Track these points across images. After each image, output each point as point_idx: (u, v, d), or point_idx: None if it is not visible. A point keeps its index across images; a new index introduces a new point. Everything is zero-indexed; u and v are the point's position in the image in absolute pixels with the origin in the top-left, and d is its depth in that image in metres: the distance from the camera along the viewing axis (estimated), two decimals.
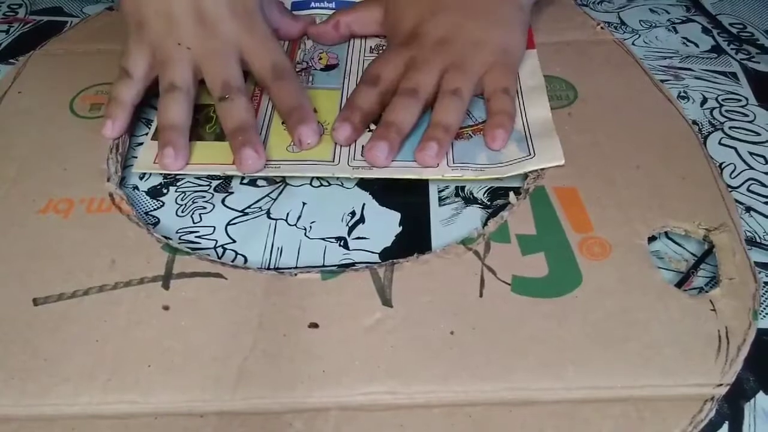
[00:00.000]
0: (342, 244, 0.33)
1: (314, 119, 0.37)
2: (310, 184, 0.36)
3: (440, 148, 0.35)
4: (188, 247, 0.32)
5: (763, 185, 0.36)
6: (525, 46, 0.42)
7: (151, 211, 0.35)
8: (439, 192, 0.36)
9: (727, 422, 0.26)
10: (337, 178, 0.36)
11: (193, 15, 0.36)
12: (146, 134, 0.38)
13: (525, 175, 0.35)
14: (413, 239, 0.33)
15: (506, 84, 0.38)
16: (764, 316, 0.30)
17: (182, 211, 0.35)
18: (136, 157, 0.37)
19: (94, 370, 0.26)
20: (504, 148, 0.36)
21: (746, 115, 0.41)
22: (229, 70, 0.37)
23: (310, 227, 0.34)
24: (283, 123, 0.38)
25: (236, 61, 0.37)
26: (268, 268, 0.31)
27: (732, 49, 0.46)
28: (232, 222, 0.34)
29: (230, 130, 0.36)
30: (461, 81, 0.37)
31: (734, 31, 0.48)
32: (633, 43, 0.47)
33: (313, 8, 0.47)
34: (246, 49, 0.38)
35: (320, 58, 0.43)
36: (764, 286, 0.31)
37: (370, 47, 0.44)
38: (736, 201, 0.35)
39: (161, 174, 0.36)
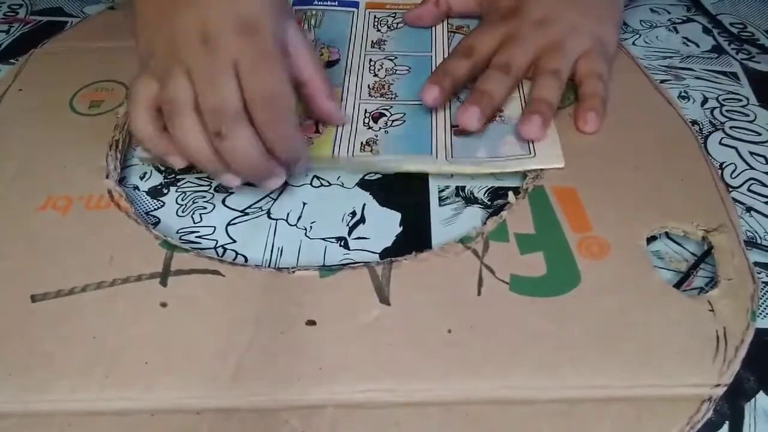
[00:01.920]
0: (342, 244, 0.33)
1: (306, 156, 0.34)
2: (311, 184, 0.36)
3: (544, 121, 0.36)
4: (188, 248, 0.32)
5: (764, 185, 0.36)
6: (617, 41, 0.43)
7: (152, 211, 0.35)
8: (440, 192, 0.36)
9: (727, 422, 0.26)
10: (338, 177, 0.36)
11: (197, 37, 0.32)
12: None
13: (524, 175, 0.35)
14: (414, 239, 0.33)
15: (600, 70, 0.39)
16: (764, 317, 0.30)
17: (183, 211, 0.35)
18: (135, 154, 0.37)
19: (92, 366, 0.26)
20: (506, 144, 0.37)
21: (747, 115, 0.41)
22: (222, 93, 0.31)
23: (311, 227, 0.34)
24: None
25: (233, 82, 0.31)
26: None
27: (732, 49, 0.46)
28: (232, 222, 0.34)
29: (244, 174, 0.32)
30: (560, 62, 0.38)
31: (735, 31, 0.48)
32: (633, 43, 0.47)
33: (315, 5, 0.47)
34: (242, 68, 0.32)
35: (321, 54, 0.43)
36: (764, 287, 0.31)
37: (372, 41, 0.44)
38: (737, 201, 0.35)
39: (162, 174, 0.36)
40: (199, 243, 0.33)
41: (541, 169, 0.35)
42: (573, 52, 0.39)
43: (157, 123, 0.32)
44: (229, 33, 0.32)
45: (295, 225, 0.34)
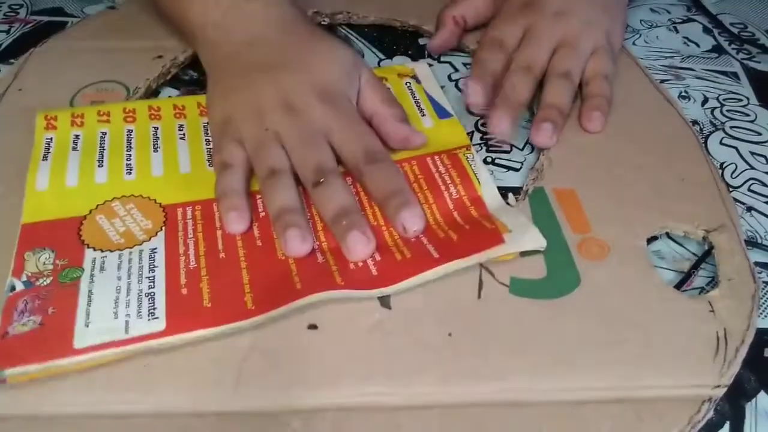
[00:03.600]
0: None
1: (417, 203, 0.32)
2: None
3: (555, 128, 0.36)
4: None
5: (764, 185, 0.36)
6: (622, 42, 0.43)
7: None
8: None
9: (728, 422, 0.26)
10: None
11: (281, 105, 0.34)
12: None
13: (524, 176, 0.35)
14: None
15: (607, 70, 0.40)
16: (765, 317, 0.30)
17: None
18: None
19: (94, 369, 0.26)
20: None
21: (747, 115, 0.41)
22: (320, 154, 0.33)
23: None
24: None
25: (327, 145, 0.33)
26: None
27: (733, 48, 0.46)
28: None
29: (331, 216, 0.31)
30: (572, 62, 0.39)
31: (735, 30, 0.48)
32: (634, 43, 0.47)
33: None
34: (335, 134, 0.33)
35: None
36: (764, 287, 0.31)
37: None
38: (737, 201, 0.35)
39: None
40: None
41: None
42: (586, 50, 0.39)
43: (246, 185, 0.33)
44: (313, 102, 0.34)
45: None
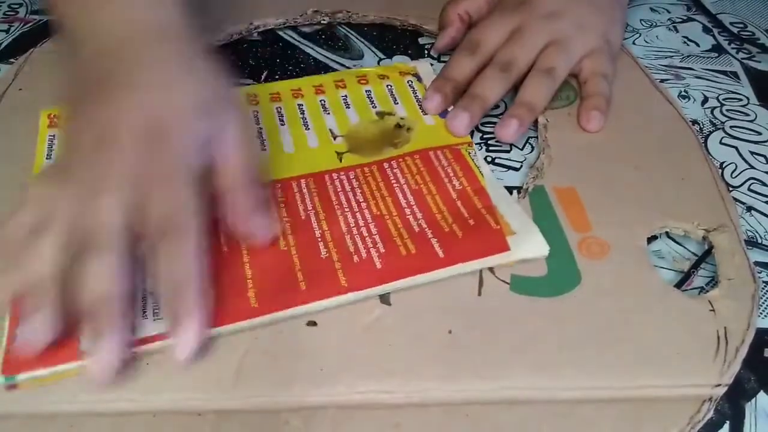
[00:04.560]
0: None
1: (199, 319, 0.25)
2: None
3: (520, 126, 0.36)
4: None
5: (764, 185, 0.36)
6: (622, 41, 0.43)
7: None
8: None
9: (727, 422, 0.26)
10: None
11: (90, 137, 0.27)
12: None
13: (525, 175, 0.35)
14: None
15: (605, 69, 0.39)
16: (765, 317, 0.30)
17: None
18: None
19: None
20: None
21: (747, 115, 0.41)
22: (100, 215, 0.25)
23: None
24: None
25: (116, 201, 0.26)
26: None
27: (733, 48, 0.46)
28: None
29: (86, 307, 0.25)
30: (558, 60, 0.38)
31: (735, 30, 0.48)
32: (633, 43, 0.47)
33: None
34: (136, 185, 0.26)
35: None
36: (764, 286, 0.31)
37: None
38: (737, 200, 0.35)
39: None
40: None
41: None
42: (576, 51, 0.39)
43: None
44: (128, 139, 0.26)
45: None
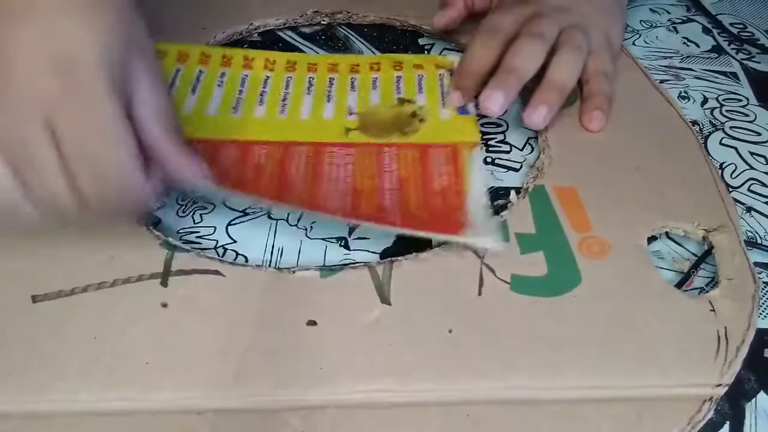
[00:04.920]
0: (342, 244, 0.33)
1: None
2: None
3: (549, 112, 0.36)
4: (189, 248, 0.32)
5: (764, 185, 0.36)
6: (622, 42, 0.43)
7: (152, 210, 0.35)
8: None
9: (728, 422, 0.26)
10: None
11: None
12: None
13: (525, 175, 0.35)
14: (414, 240, 0.33)
15: (607, 69, 0.39)
16: (765, 317, 0.30)
17: (183, 212, 0.35)
18: None
19: (93, 367, 0.26)
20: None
21: (747, 115, 0.41)
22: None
23: (311, 227, 0.34)
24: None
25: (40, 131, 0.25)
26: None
27: (732, 49, 0.46)
28: (232, 222, 0.34)
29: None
30: (582, 39, 0.38)
31: (735, 31, 0.48)
32: (633, 43, 0.47)
33: None
34: (56, 121, 0.25)
35: None
36: (764, 287, 0.31)
37: None
38: (737, 201, 0.35)
39: None
40: (200, 243, 0.33)
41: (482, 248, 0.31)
42: (591, 39, 0.39)
43: None
44: (40, 72, 0.24)
45: (296, 225, 0.34)
